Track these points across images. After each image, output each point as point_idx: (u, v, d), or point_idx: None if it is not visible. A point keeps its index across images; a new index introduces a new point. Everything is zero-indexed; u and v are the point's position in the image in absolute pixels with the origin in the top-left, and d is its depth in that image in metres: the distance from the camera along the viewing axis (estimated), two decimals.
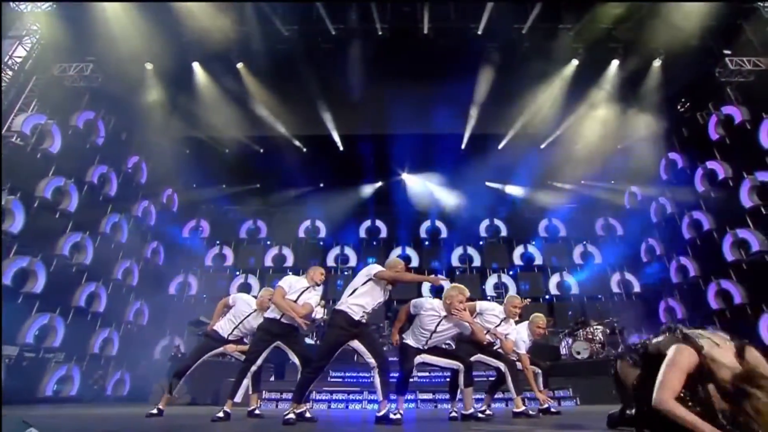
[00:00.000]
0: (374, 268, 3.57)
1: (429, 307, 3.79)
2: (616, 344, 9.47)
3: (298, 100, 10.33)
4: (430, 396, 6.78)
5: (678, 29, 8.71)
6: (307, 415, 3.73)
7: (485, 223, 13.57)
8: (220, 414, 3.78)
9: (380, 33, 9.25)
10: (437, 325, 3.77)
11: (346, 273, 12.97)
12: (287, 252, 13.16)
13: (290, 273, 11.77)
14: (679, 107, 11.14)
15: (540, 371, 4.56)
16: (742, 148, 9.29)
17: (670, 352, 2.03)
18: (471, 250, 13.19)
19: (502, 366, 4.18)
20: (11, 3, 8.50)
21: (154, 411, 4.14)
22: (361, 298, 3.47)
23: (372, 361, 3.37)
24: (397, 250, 13.11)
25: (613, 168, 12.15)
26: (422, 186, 13.52)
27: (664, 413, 1.88)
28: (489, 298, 12.66)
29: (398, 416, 3.29)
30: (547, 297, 12.83)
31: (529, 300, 5.21)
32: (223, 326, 4.63)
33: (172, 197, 13.09)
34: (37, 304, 8.25)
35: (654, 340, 2.27)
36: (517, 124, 10.92)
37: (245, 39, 9.44)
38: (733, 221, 9.45)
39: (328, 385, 7.34)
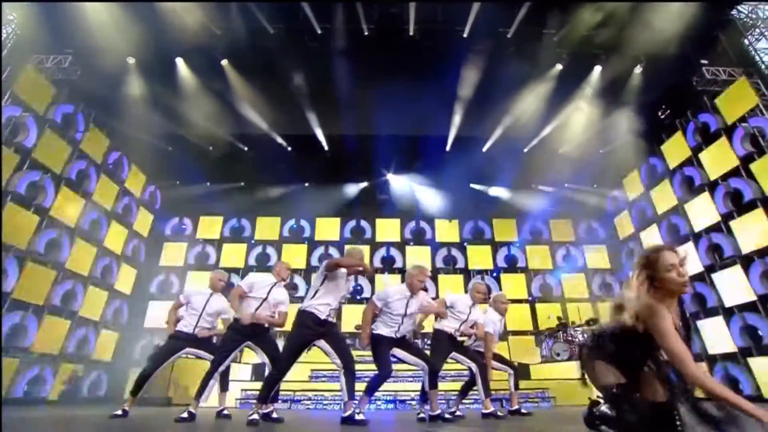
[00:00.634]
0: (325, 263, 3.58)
1: (394, 291, 3.81)
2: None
3: (283, 98, 10.26)
4: (408, 397, 6.80)
5: (658, 37, 8.91)
6: (274, 415, 3.70)
7: (469, 224, 13.66)
8: (185, 414, 3.72)
9: (366, 33, 9.26)
10: (406, 306, 3.77)
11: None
12: (271, 251, 13.05)
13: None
14: (660, 114, 11.41)
15: (512, 372, 4.61)
16: (716, 155, 9.53)
17: (656, 321, 1.86)
18: (455, 252, 13.26)
19: (473, 367, 4.22)
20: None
21: (119, 412, 4.05)
22: (324, 298, 3.47)
23: (338, 361, 3.36)
24: (382, 251, 13.12)
25: (596, 172, 12.35)
26: (407, 187, 13.55)
27: (706, 389, 1.76)
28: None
29: (363, 417, 3.29)
30: (529, 299, 12.97)
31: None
32: (186, 323, 4.55)
33: (155, 194, 12.90)
34: (7, 302, 8.01)
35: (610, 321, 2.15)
36: (501, 127, 11.04)
37: (230, 35, 9.34)
38: (708, 226, 9.70)
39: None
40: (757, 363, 8.39)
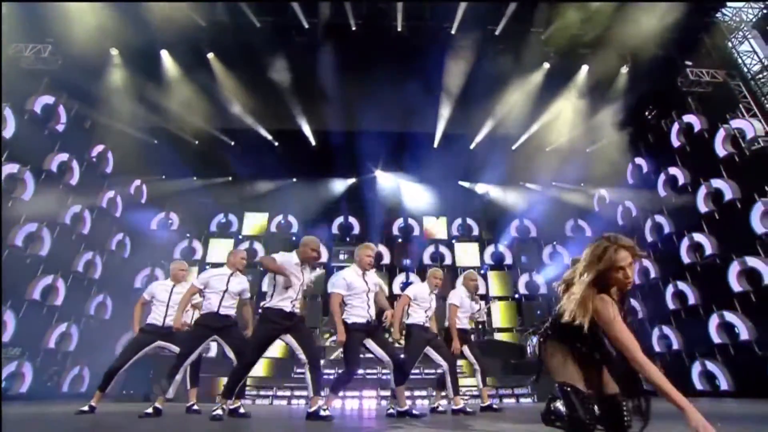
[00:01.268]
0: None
1: (350, 274, 3.80)
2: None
3: (269, 93, 10.16)
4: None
5: (644, 38, 8.99)
6: (241, 410, 3.69)
7: (457, 221, 13.70)
8: (149, 410, 3.70)
9: (354, 28, 9.19)
10: (367, 285, 3.80)
11: (318, 270, 12.88)
12: (258, 246, 12.97)
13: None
14: (646, 113, 11.54)
15: (478, 368, 4.64)
16: (700, 155, 9.68)
17: (602, 310, 1.90)
18: (442, 248, 13.30)
19: (444, 365, 4.24)
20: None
21: (85, 408, 4.01)
22: (282, 293, 3.45)
23: (303, 357, 3.35)
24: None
25: (583, 171, 12.46)
26: (395, 183, 13.54)
27: (650, 378, 1.81)
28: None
29: (329, 413, 3.29)
30: (516, 296, 13.06)
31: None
32: (155, 316, 4.52)
33: (140, 188, 12.72)
34: None
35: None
36: (489, 125, 11.08)
37: (216, 28, 9.22)
38: (690, 225, 9.86)
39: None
40: (734, 360, 8.58)
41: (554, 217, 13.83)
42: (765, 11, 9.30)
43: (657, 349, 10.53)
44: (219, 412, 3.19)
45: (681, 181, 10.20)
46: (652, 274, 11.04)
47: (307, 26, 9.21)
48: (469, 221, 13.79)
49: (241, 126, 11.10)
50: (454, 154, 11.71)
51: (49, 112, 9.29)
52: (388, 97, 9.57)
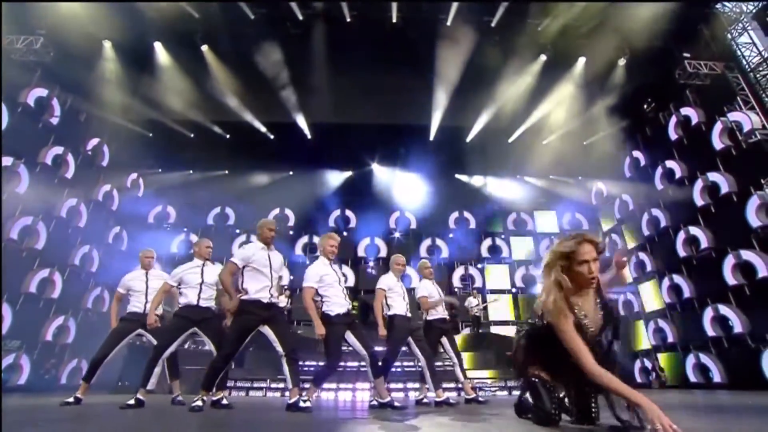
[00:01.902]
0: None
1: (320, 266, 3.80)
2: None
3: (264, 85, 10.09)
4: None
5: (641, 30, 8.89)
6: (224, 402, 3.70)
7: (454, 215, 13.69)
8: (131, 401, 3.72)
9: (349, 20, 9.10)
10: (337, 274, 3.84)
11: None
12: (255, 240, 12.97)
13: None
14: (645, 107, 11.46)
15: (456, 361, 4.65)
16: (697, 148, 9.63)
17: (556, 321, 1.92)
18: (439, 242, 13.31)
19: (421, 359, 4.25)
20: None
21: (70, 399, 4.03)
22: (258, 283, 3.46)
23: (280, 349, 3.34)
24: (366, 240, 13.11)
25: (580, 164, 12.41)
26: (392, 177, 13.51)
27: (601, 382, 1.80)
28: (456, 289, 12.89)
29: (309, 405, 3.30)
30: (513, 290, 13.10)
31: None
32: (136, 305, 4.53)
33: (137, 181, 12.69)
34: None
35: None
36: (485, 118, 11.01)
37: (209, 20, 9.12)
38: (686, 219, 9.84)
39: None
40: (727, 352, 8.62)
41: (551, 211, 13.84)
42: (766, 2, 9.18)
43: (652, 342, 10.58)
44: (199, 403, 3.20)
45: (678, 174, 10.17)
46: (649, 268, 11.05)
47: (301, 18, 9.11)
48: (466, 214, 13.78)
49: (236, 119, 11.04)
50: (451, 146, 11.66)
51: (42, 104, 9.24)
52: (384, 89, 9.52)
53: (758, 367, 7.74)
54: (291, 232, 13.32)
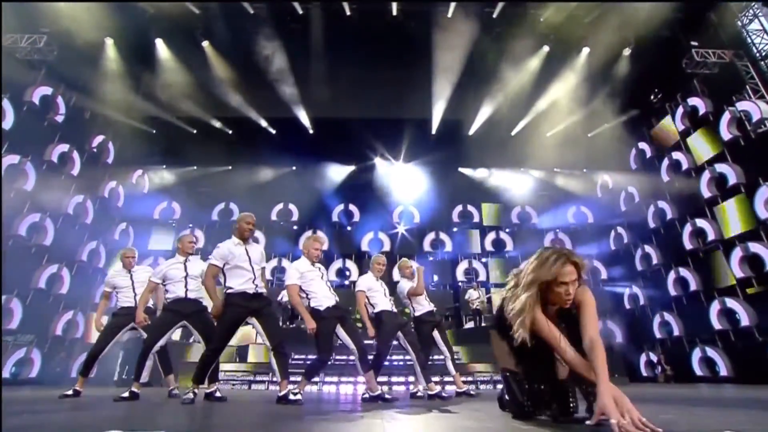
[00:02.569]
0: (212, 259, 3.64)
1: (299, 264, 3.82)
2: None
3: (265, 80, 10.10)
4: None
5: (647, 19, 8.71)
6: (217, 394, 3.75)
7: (458, 209, 13.63)
8: (125, 394, 3.81)
9: (348, 14, 9.03)
10: (320, 271, 3.87)
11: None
12: (259, 235, 13.03)
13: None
14: (652, 97, 11.26)
15: (447, 355, 4.65)
16: (704, 139, 9.45)
17: (537, 329, 1.93)
18: (443, 236, 13.27)
19: (411, 353, 4.27)
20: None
21: (69, 392, 4.14)
22: (238, 277, 3.48)
23: (267, 342, 3.38)
24: (370, 235, 13.13)
25: (585, 156, 12.25)
26: (395, 171, 13.47)
27: (574, 367, 1.84)
28: (460, 283, 12.87)
29: (299, 397, 3.34)
30: None
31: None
32: (126, 300, 4.60)
33: (142, 178, 12.82)
34: None
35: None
36: (487, 110, 10.90)
37: (209, 15, 9.12)
38: (693, 211, 9.69)
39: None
40: (734, 346, 8.52)
41: (556, 204, 13.70)
42: None
43: (658, 335, 10.48)
44: (190, 395, 3.25)
45: (685, 165, 10.00)
46: (654, 260, 10.92)
47: (301, 12, 9.07)
48: (470, 208, 13.71)
49: (238, 114, 11.07)
50: (453, 140, 11.58)
51: (47, 102, 9.35)
52: (385, 83, 9.47)
53: (765, 361, 7.64)
54: (295, 227, 13.37)
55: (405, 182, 13.54)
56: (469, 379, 7.53)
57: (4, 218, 8.33)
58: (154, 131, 11.62)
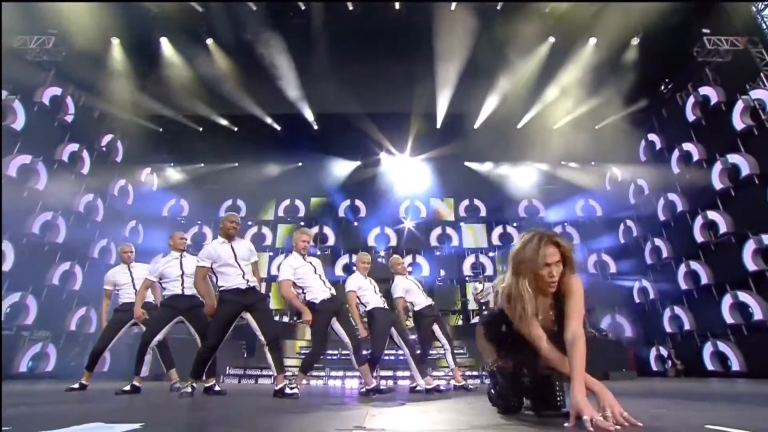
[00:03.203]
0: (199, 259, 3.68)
1: (291, 259, 3.86)
2: (583, 324, 9.66)
3: (269, 77, 10.11)
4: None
5: (656, 6, 8.49)
6: (216, 388, 3.82)
7: (464, 203, 13.56)
8: (126, 387, 3.91)
9: (351, 8, 8.98)
10: (312, 265, 3.90)
11: (326, 253, 13.02)
12: (266, 231, 13.19)
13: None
14: (662, 88, 11.01)
15: (447, 348, 4.65)
16: (716, 129, 9.23)
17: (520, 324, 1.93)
18: (449, 230, 13.23)
19: (404, 349, 4.28)
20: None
21: (76, 386, 4.26)
22: (229, 275, 3.51)
23: (262, 338, 3.42)
24: (376, 230, 13.15)
25: (593, 149, 12.05)
26: (401, 166, 13.43)
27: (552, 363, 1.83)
28: (467, 278, 12.84)
29: (296, 391, 3.38)
30: None
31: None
32: (127, 296, 4.70)
33: (151, 176, 13.00)
34: (7, 282, 8.27)
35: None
36: (493, 104, 10.77)
37: (212, 13, 9.15)
38: (704, 203, 9.50)
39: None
40: (747, 340, 8.37)
41: (564, 197, 13.54)
42: None
43: (668, 329, 10.34)
44: (188, 389, 3.34)
45: (696, 157, 9.77)
46: (665, 254, 10.75)
47: (303, 8, 9.05)
48: (477, 202, 13.63)
49: (243, 111, 11.11)
50: (458, 134, 11.48)
51: (57, 103, 9.51)
52: (389, 77, 9.41)
53: None
54: (302, 223, 13.44)
55: (411, 177, 13.50)
56: (474, 373, 7.52)
57: (17, 217, 8.54)
58: (161, 129, 11.76)
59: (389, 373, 7.01)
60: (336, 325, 3.78)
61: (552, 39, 9.61)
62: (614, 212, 12.70)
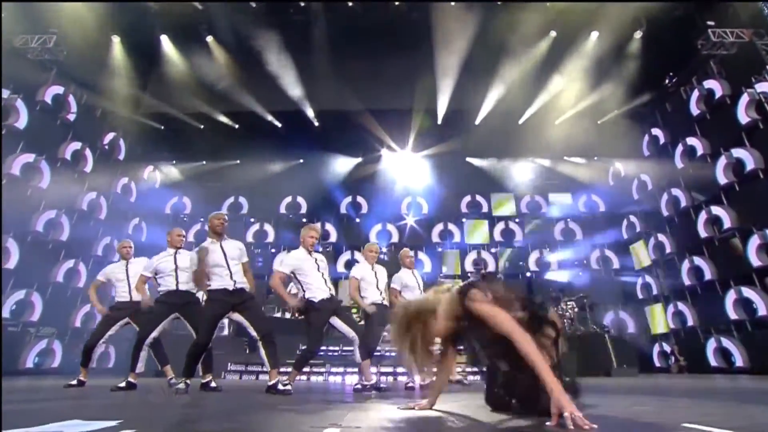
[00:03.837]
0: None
1: (297, 254, 3.84)
2: (585, 320, 9.64)
3: (269, 74, 10.10)
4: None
5: None
6: (212, 384, 3.86)
7: (467, 199, 13.51)
8: (122, 384, 3.96)
9: (350, 4, 8.93)
10: (317, 262, 3.88)
11: (327, 249, 13.04)
12: (268, 228, 13.22)
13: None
14: (666, 81, 10.87)
15: None
16: (720, 123, 9.11)
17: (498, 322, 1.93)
18: (451, 227, 13.20)
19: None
20: None
21: (73, 382, 4.31)
22: (219, 275, 3.53)
23: (254, 334, 3.44)
24: (378, 227, 13.14)
25: (596, 144, 11.94)
26: (402, 162, 13.39)
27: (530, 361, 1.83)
28: (469, 273, 12.81)
29: (288, 387, 3.39)
30: (527, 274, 12.92)
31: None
32: (121, 294, 4.75)
33: (153, 174, 13.06)
34: (12, 280, 8.38)
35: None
36: (494, 99, 10.68)
37: (212, 10, 9.14)
38: (708, 198, 9.40)
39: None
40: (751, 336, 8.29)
41: (566, 193, 13.46)
42: None
43: (671, 325, 10.28)
44: (182, 386, 3.37)
45: (700, 151, 9.65)
46: (668, 249, 10.66)
47: (302, 4, 9.01)
48: (478, 198, 13.57)
49: (244, 109, 11.11)
50: (460, 130, 11.42)
51: (59, 101, 9.56)
52: (389, 73, 9.37)
53: None
54: (304, 220, 13.46)
55: (412, 173, 13.47)
56: (474, 369, 7.51)
57: (22, 215, 8.63)
58: (163, 127, 11.80)
59: (389, 369, 7.03)
60: (337, 322, 3.79)
61: (553, 33, 9.51)
62: (617, 207, 12.61)
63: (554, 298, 10.61)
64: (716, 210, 9.19)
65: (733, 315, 8.61)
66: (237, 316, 3.54)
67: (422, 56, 9.42)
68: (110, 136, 11.18)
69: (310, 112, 11.39)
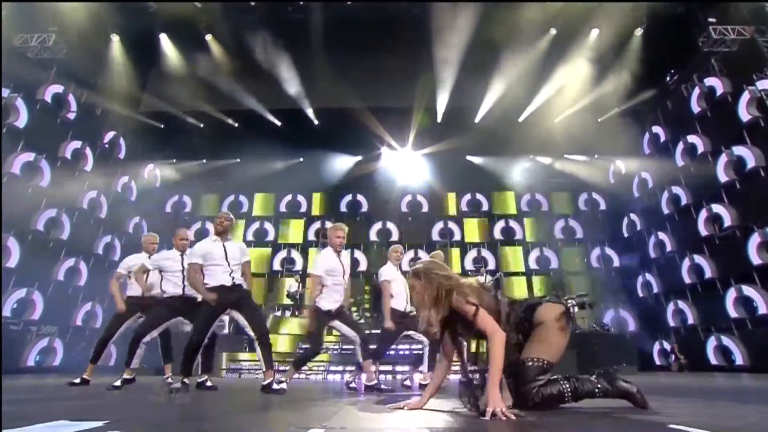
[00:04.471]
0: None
1: (328, 256, 3.80)
2: (585, 319, 9.62)
3: (268, 72, 10.09)
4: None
5: None
6: (208, 383, 3.87)
7: (466, 197, 13.50)
8: (117, 383, 3.99)
9: (350, 2, 8.91)
10: (342, 266, 3.85)
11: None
12: (269, 226, 13.25)
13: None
14: (666, 79, 10.81)
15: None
16: (721, 121, 9.06)
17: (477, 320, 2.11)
18: (451, 224, 13.19)
19: (425, 340, 4.26)
20: None
21: (77, 380, 4.31)
22: (216, 273, 3.54)
23: (251, 333, 3.45)
24: (378, 225, 13.15)
25: (596, 142, 11.88)
26: (402, 160, 13.38)
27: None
28: (469, 272, 12.80)
29: (283, 386, 3.40)
30: (526, 271, 12.91)
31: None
32: (131, 290, 4.72)
33: (153, 172, 13.08)
34: (13, 278, 8.42)
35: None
36: (493, 97, 10.64)
37: (211, 9, 9.13)
38: (709, 196, 9.35)
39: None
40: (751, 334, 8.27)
41: (566, 191, 13.42)
42: None
43: (672, 324, 10.25)
44: (177, 385, 3.39)
45: (700, 149, 9.61)
46: (668, 247, 10.63)
47: (302, 3, 8.99)
48: (479, 196, 13.56)
49: (243, 107, 11.11)
50: (459, 128, 11.39)
51: (59, 100, 9.57)
52: (389, 71, 9.35)
53: None
54: (304, 218, 13.50)
55: (412, 171, 13.45)
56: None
57: (22, 214, 8.67)
58: (162, 126, 11.82)
59: (388, 368, 7.06)
60: (338, 324, 3.79)
61: (553, 31, 9.47)
62: (618, 206, 12.57)
63: (555, 295, 10.59)
64: (717, 208, 9.15)
65: (733, 313, 8.59)
66: (235, 314, 3.54)
67: (422, 54, 9.39)
68: (110, 134, 11.20)
69: (309, 111, 11.38)
